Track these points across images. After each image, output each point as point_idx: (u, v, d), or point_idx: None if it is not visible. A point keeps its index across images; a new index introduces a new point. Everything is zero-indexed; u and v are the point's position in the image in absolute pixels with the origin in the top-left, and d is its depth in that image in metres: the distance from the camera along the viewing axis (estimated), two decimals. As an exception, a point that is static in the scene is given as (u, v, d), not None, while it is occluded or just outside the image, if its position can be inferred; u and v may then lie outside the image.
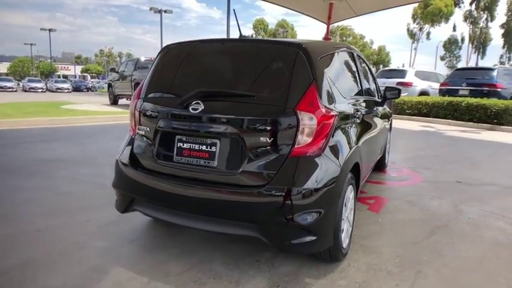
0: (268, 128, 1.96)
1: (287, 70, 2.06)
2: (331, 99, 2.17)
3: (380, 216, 3.21)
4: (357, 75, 3.07)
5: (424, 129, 9.87)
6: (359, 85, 3.09)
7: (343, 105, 2.37)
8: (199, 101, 2.06)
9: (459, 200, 3.70)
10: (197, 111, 2.06)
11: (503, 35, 50.20)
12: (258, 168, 1.97)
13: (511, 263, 2.44)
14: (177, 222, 2.18)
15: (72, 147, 5.96)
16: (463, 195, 3.89)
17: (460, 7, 49.37)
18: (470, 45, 50.69)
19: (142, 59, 13.81)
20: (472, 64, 43.70)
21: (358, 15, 15.01)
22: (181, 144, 2.15)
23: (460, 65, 52.48)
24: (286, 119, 1.95)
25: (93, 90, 38.31)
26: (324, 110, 2.00)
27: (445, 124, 10.86)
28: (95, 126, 8.59)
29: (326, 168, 1.99)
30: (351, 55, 3.08)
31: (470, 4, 49.02)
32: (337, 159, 2.09)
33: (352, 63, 3.04)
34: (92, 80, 56.24)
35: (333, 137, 2.09)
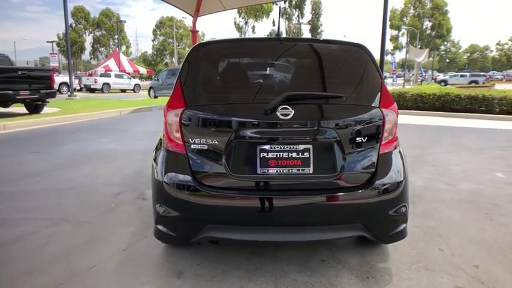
0: (361, 127, 2.00)
1: (361, 70, 2.11)
2: None
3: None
4: None
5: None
6: None
7: None
8: (287, 106, 1.91)
9: (400, 172, 4.50)
10: (288, 117, 1.90)
11: (310, 30, 60.77)
12: (355, 168, 1.98)
13: (480, 210, 3.23)
14: (268, 239, 1.97)
15: None
16: (398, 167, 4.72)
17: (276, 4, 56.96)
18: (288, 39, 59.20)
19: None
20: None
21: (227, 10, 15.60)
22: (265, 154, 1.94)
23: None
24: (375, 117, 2.02)
25: None
26: (396, 106, 2.16)
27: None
28: None
29: (403, 160, 2.17)
30: None
31: (285, 2, 57.25)
32: (402, 150, 2.30)
33: None
34: None
35: None
